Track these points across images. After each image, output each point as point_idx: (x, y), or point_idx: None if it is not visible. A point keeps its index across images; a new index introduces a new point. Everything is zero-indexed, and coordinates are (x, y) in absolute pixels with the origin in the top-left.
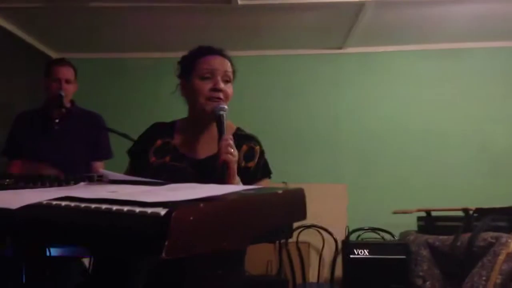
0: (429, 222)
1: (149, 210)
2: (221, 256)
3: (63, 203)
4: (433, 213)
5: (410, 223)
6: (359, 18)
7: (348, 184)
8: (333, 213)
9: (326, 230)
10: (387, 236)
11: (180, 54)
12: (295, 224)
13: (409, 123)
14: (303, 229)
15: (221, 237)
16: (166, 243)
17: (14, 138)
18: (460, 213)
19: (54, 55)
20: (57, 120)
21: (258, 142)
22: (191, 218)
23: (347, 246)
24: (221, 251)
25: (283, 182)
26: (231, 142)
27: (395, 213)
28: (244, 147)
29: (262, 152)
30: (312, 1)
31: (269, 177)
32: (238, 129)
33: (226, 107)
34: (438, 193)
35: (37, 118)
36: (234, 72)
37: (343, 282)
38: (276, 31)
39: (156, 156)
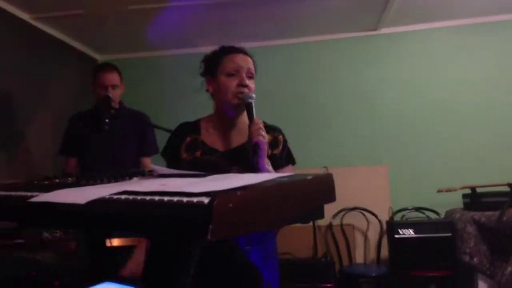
0: (475, 199)
1: (195, 199)
2: None
3: (123, 197)
4: (478, 190)
5: (455, 201)
6: None
7: (389, 165)
8: (376, 195)
9: (369, 211)
10: (432, 215)
11: (211, 48)
12: (339, 207)
13: (448, 100)
14: (347, 212)
15: (258, 220)
16: (211, 227)
17: (68, 137)
18: (506, 188)
19: (99, 57)
20: (107, 120)
21: (281, 132)
22: (231, 205)
23: (392, 226)
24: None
25: (324, 167)
26: (262, 125)
27: (439, 191)
28: (269, 137)
29: (285, 141)
30: None
31: (293, 164)
32: (262, 121)
33: (254, 95)
34: (482, 169)
35: (88, 119)
36: (255, 68)
37: (390, 262)
38: (308, 18)
39: (187, 153)
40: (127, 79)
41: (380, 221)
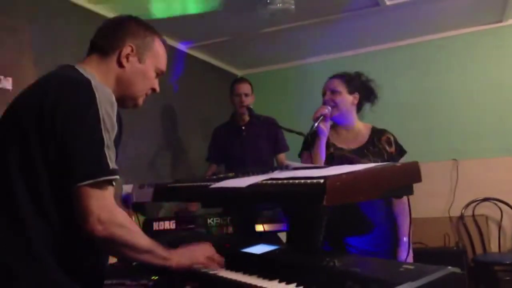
0: None
1: (315, 180)
2: None
3: (270, 181)
4: None
5: None
6: None
7: None
8: (509, 186)
9: (503, 202)
10: None
11: (336, 56)
12: (470, 198)
13: None
14: (479, 203)
15: (358, 193)
16: (325, 197)
17: (212, 148)
18: None
19: (239, 72)
20: (243, 127)
21: (390, 132)
22: (338, 183)
23: None
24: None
25: (453, 159)
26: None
27: None
28: (384, 138)
29: (395, 139)
30: None
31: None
32: (373, 126)
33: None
34: None
35: (228, 128)
36: (348, 84)
37: None
38: (429, 19)
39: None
40: (262, 88)
41: None
